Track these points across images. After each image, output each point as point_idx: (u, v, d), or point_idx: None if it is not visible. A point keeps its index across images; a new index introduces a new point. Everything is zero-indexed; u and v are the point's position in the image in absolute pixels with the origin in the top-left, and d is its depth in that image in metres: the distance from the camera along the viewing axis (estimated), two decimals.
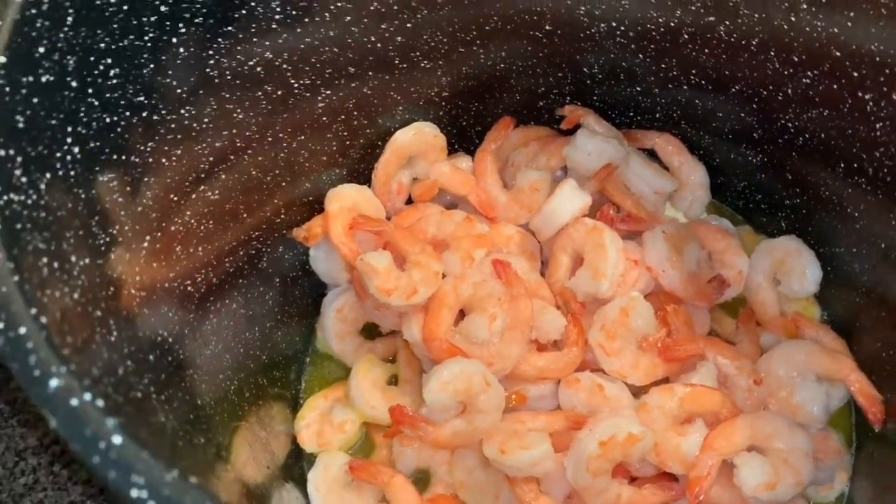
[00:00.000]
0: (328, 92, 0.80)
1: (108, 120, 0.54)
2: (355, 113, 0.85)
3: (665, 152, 0.94)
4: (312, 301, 0.93)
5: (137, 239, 0.56)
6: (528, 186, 0.91)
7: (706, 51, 0.81)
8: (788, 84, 0.77)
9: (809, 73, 0.74)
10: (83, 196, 0.49)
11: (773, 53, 0.76)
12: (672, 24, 0.81)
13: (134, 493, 0.31)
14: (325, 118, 0.82)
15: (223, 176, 0.71)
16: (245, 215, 0.76)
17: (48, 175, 0.45)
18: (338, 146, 0.86)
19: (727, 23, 0.77)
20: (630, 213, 0.88)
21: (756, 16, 0.75)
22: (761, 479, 0.72)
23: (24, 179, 0.42)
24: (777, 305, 0.88)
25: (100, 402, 0.33)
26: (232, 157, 0.71)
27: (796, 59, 0.75)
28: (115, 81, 0.54)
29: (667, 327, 0.82)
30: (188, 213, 0.66)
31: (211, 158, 0.68)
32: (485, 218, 0.91)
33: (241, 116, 0.71)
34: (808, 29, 0.71)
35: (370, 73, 0.82)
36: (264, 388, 0.82)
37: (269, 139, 0.76)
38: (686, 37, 0.81)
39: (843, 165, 0.77)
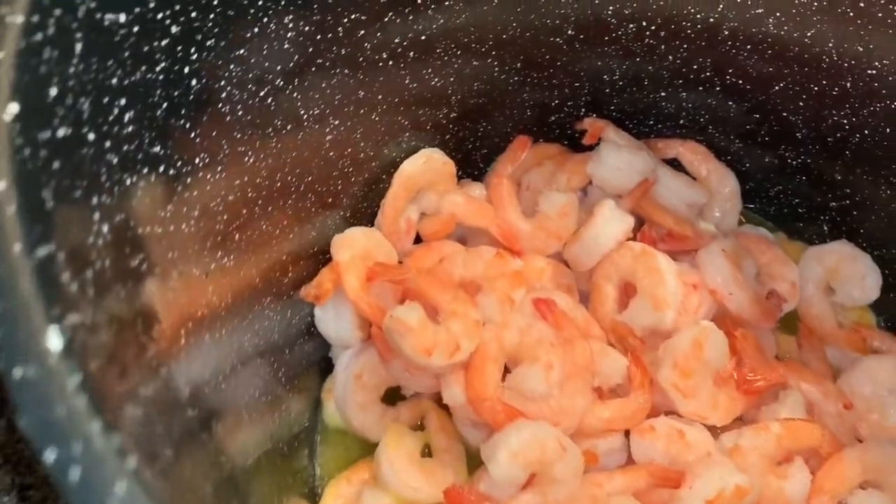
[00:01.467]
0: (336, 122, 0.67)
1: (128, 182, 0.39)
2: (362, 144, 0.72)
3: (691, 161, 0.86)
4: (317, 368, 0.79)
5: (163, 318, 0.42)
6: (555, 212, 0.80)
7: (748, 47, 0.74)
8: (848, 77, 0.71)
9: (877, 63, 0.68)
10: (122, 295, 0.35)
11: (831, 45, 0.69)
12: (711, 20, 0.73)
13: None
14: (332, 153, 0.69)
15: (237, 236, 0.57)
16: (257, 281, 0.62)
17: (88, 273, 0.31)
18: (343, 184, 0.73)
19: (778, 14, 0.70)
20: (671, 231, 0.79)
21: (815, 5, 0.68)
22: None
23: (73, 288, 0.28)
24: (833, 316, 0.81)
25: None
26: (244, 212, 0.57)
27: (861, 49, 0.68)
28: (130, 129, 0.40)
29: (736, 356, 0.74)
30: (210, 287, 0.51)
31: (226, 217, 0.54)
32: (508, 251, 0.80)
33: (251, 160, 0.57)
34: (880, 14, 0.65)
35: (380, 97, 0.70)
36: (281, 480, 0.67)
37: (279, 184, 0.62)
38: (726, 33, 0.73)
39: None
